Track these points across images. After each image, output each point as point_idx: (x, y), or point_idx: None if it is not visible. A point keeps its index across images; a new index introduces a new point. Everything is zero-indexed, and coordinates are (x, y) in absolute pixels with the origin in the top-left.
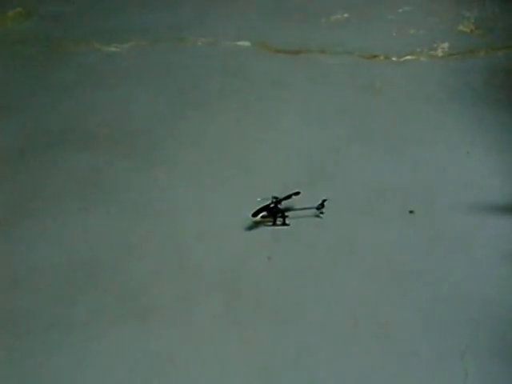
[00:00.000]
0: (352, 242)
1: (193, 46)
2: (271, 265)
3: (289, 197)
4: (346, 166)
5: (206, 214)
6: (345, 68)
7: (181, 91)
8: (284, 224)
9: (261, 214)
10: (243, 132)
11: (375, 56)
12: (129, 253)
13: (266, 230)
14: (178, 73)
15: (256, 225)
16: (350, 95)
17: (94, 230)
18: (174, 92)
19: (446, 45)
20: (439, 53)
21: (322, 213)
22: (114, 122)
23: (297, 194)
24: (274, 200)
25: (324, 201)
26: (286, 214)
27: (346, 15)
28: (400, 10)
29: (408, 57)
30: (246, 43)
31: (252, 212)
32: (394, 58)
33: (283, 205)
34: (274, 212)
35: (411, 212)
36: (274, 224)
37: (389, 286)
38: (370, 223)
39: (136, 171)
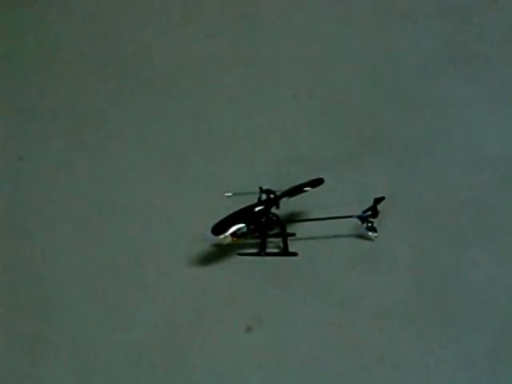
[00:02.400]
0: None
1: None
2: (252, 342)
3: (300, 189)
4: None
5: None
6: None
7: None
8: (286, 253)
9: (233, 229)
10: None
11: None
12: None
13: (246, 266)
14: None
15: (224, 253)
16: None
17: None
18: None
19: None
20: None
21: (373, 228)
22: None
23: (317, 182)
24: (264, 197)
25: (379, 202)
26: (290, 229)
27: None
28: None
29: None
30: None
31: (213, 224)
32: None
33: (283, 208)
34: (264, 223)
35: None
36: (262, 252)
37: None
38: None
39: None
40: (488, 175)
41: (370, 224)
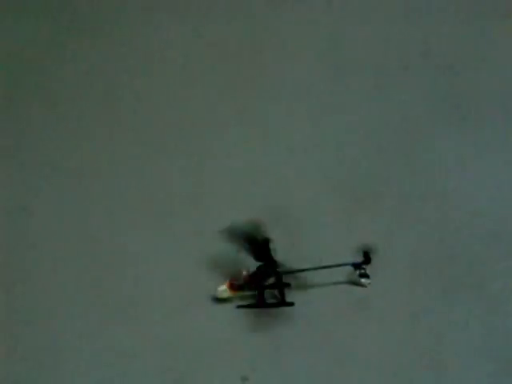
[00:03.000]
0: None
1: None
2: None
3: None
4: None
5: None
6: None
7: None
8: (284, 303)
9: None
10: None
11: None
12: None
13: (242, 316)
14: None
15: (222, 304)
16: None
17: None
18: None
19: None
20: None
21: (365, 275)
22: None
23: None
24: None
25: (367, 252)
26: (286, 279)
27: None
28: None
29: None
30: None
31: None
32: None
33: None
34: (260, 276)
35: None
36: (260, 303)
37: None
38: None
39: None
40: (477, 230)
41: (362, 271)
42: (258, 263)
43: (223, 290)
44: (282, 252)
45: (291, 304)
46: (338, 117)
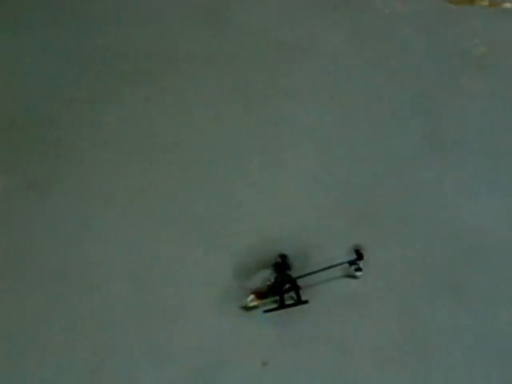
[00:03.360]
0: None
1: None
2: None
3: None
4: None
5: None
6: None
7: None
8: (300, 302)
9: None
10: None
11: None
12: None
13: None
14: None
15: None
16: None
17: None
18: None
19: None
20: None
21: (358, 269)
22: None
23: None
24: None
25: (358, 252)
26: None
27: None
28: None
29: None
30: None
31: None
32: None
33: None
34: (281, 283)
35: None
36: (283, 305)
37: None
38: None
39: None
40: (458, 244)
41: (356, 266)
42: (275, 274)
43: (251, 299)
44: (293, 261)
45: (306, 302)
46: (342, 151)
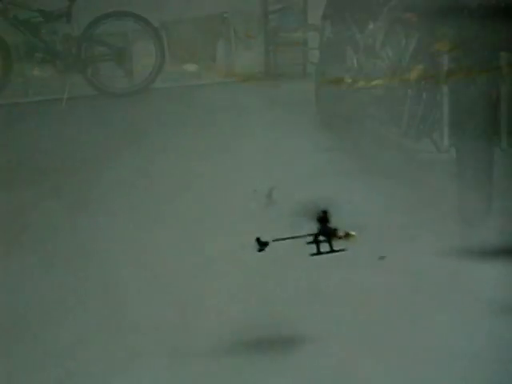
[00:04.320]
0: None
1: None
2: None
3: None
4: None
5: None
6: None
7: None
8: (332, 250)
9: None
10: None
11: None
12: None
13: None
14: None
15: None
16: None
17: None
18: None
19: None
20: None
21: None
22: None
23: None
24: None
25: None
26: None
27: None
28: None
29: None
30: None
31: None
32: None
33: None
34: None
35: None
36: (331, 250)
37: None
38: None
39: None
40: None
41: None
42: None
43: None
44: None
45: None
46: None
